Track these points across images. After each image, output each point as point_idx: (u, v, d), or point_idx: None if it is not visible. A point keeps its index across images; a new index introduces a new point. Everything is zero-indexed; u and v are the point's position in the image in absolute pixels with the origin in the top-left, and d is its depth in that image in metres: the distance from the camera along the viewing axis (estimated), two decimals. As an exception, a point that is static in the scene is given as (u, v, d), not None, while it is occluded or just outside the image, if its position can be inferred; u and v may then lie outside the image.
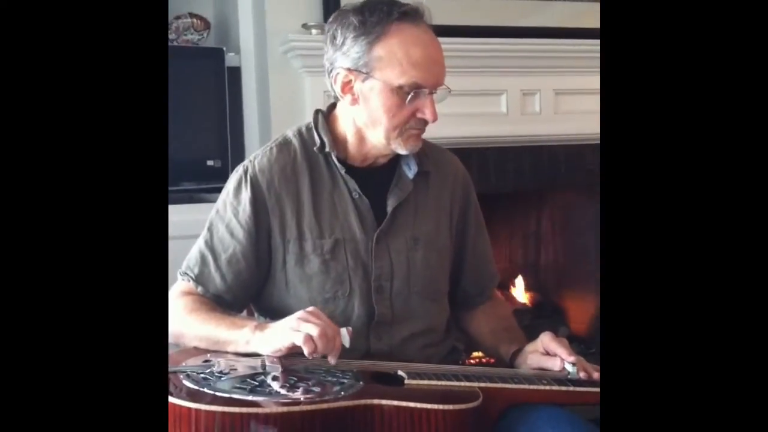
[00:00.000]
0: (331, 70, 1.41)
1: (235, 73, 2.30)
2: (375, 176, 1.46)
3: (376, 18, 1.35)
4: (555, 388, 1.29)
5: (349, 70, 1.38)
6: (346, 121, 1.45)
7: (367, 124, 1.41)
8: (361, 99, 1.39)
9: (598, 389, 1.29)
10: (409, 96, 1.36)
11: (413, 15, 1.37)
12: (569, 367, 1.35)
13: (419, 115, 1.38)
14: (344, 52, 1.38)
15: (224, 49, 2.24)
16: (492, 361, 2.62)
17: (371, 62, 1.36)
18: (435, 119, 1.39)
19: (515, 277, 2.96)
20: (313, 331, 1.20)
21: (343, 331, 1.25)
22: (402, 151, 1.42)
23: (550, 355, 1.38)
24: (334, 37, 1.39)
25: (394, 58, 1.35)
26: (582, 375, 1.33)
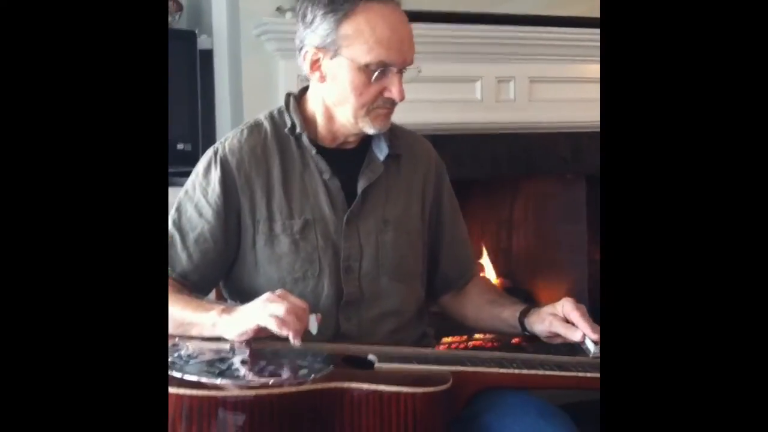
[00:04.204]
0: (301, 48, 1.42)
1: (208, 55, 2.27)
2: (346, 157, 1.47)
3: None
4: (525, 372, 1.29)
5: (317, 47, 1.39)
6: (316, 101, 1.45)
7: (335, 102, 1.42)
8: (328, 77, 1.40)
9: (567, 373, 1.30)
10: (375, 74, 1.36)
11: None
12: (590, 346, 1.30)
13: (386, 94, 1.39)
14: (313, 30, 1.39)
15: (197, 31, 2.22)
16: (462, 347, 2.66)
17: (339, 40, 1.36)
18: (402, 98, 1.39)
19: (486, 263, 2.97)
20: (280, 310, 1.20)
21: (312, 317, 1.24)
22: (370, 131, 1.42)
23: (570, 323, 1.35)
24: (304, 15, 1.40)
25: (361, 35, 1.35)
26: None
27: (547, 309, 1.40)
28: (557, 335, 1.37)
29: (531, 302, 2.99)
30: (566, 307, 1.36)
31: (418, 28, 2.22)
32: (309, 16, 1.39)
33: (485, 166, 2.50)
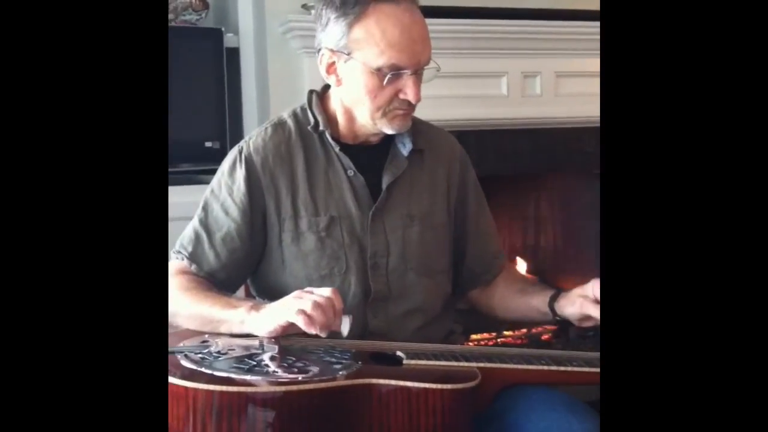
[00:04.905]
0: (319, 50, 1.42)
1: (234, 53, 2.28)
2: (370, 154, 1.47)
3: None
4: (554, 368, 1.29)
5: (332, 51, 1.39)
6: (336, 101, 1.46)
7: (352, 104, 1.43)
8: (344, 80, 1.41)
9: (596, 369, 1.29)
10: (387, 77, 1.35)
11: None
12: None
13: (401, 96, 1.37)
14: (327, 33, 1.38)
15: (223, 29, 2.23)
16: (491, 344, 2.66)
17: (351, 43, 1.36)
18: (417, 99, 1.38)
19: (514, 260, 2.96)
20: (306, 305, 1.20)
21: (345, 319, 1.24)
22: (389, 131, 1.42)
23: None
24: (320, 17, 1.40)
25: (371, 39, 1.34)
26: None
27: (576, 291, 1.39)
28: (589, 317, 1.36)
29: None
30: (596, 287, 1.35)
31: (443, 24, 2.22)
32: (323, 19, 1.39)
33: (511, 162, 2.48)
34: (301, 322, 1.19)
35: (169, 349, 1.17)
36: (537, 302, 1.47)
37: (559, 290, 1.45)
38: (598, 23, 2.51)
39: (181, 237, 1.45)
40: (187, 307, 1.34)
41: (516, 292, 1.54)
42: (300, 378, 1.11)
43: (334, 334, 1.25)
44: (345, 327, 1.24)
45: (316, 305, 1.20)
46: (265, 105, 2.25)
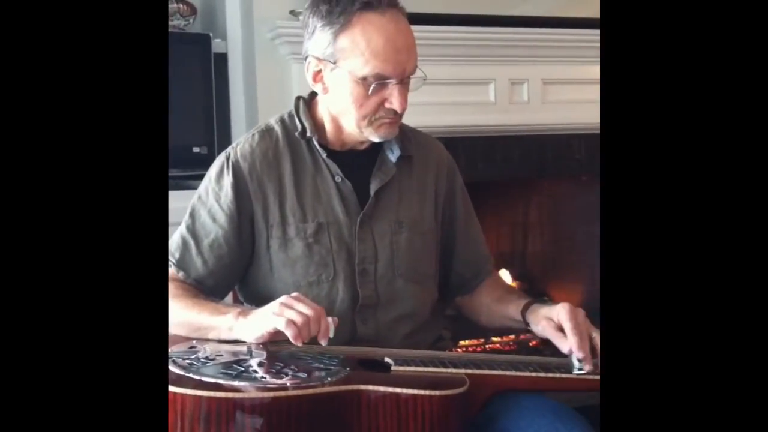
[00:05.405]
0: (305, 58, 1.42)
1: (222, 59, 2.28)
2: (358, 160, 1.47)
3: (341, 7, 1.34)
4: (542, 375, 1.29)
5: (318, 59, 1.39)
6: (323, 108, 1.46)
7: (339, 113, 1.43)
8: (330, 88, 1.41)
9: (585, 376, 1.29)
10: (372, 87, 1.35)
11: (377, 3, 1.34)
12: (575, 362, 1.27)
13: (387, 105, 1.37)
14: (314, 41, 1.38)
15: (211, 35, 2.22)
16: (479, 350, 2.66)
17: (336, 52, 1.36)
18: (403, 109, 1.38)
19: (501, 266, 2.97)
20: (296, 316, 1.20)
21: (329, 320, 1.24)
22: (375, 139, 1.43)
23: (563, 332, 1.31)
24: (307, 25, 1.40)
25: (356, 48, 1.34)
26: (587, 368, 1.27)
27: (544, 311, 1.37)
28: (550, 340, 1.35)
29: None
30: (561, 314, 1.32)
31: (431, 31, 2.22)
32: (310, 27, 1.39)
33: (499, 168, 2.49)
34: (290, 334, 1.20)
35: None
36: (512, 311, 1.46)
37: (532, 300, 1.44)
38: (585, 30, 2.54)
39: (168, 244, 1.45)
40: (175, 314, 1.33)
41: (495, 301, 1.54)
42: (288, 384, 1.11)
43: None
44: (330, 330, 1.24)
45: (306, 319, 1.21)
46: (253, 111, 2.25)
